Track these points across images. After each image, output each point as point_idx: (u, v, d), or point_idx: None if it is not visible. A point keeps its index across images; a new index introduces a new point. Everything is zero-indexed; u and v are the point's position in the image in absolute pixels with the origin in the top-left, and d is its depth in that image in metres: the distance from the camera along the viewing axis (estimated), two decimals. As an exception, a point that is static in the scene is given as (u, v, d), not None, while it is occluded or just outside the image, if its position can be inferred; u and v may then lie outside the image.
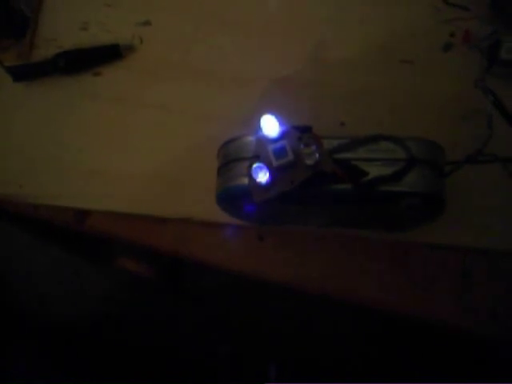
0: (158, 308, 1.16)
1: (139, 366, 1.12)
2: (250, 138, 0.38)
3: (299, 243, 0.49)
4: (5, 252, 1.24)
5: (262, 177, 0.35)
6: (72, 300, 1.20)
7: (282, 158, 0.35)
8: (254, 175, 0.35)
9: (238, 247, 0.50)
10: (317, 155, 0.34)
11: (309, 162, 0.34)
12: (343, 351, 1.03)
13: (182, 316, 1.14)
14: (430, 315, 0.48)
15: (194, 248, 0.51)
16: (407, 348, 0.97)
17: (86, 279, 1.21)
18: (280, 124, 0.36)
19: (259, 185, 0.35)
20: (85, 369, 1.14)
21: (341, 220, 0.45)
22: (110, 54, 0.55)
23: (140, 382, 1.10)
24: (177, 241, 0.51)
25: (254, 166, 0.35)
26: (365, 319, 0.95)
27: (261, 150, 0.36)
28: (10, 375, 1.12)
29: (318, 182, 0.35)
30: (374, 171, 0.36)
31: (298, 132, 0.36)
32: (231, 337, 1.11)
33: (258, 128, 0.36)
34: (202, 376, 1.10)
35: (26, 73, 0.55)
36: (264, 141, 0.36)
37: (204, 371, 1.10)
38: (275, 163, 0.35)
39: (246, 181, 0.37)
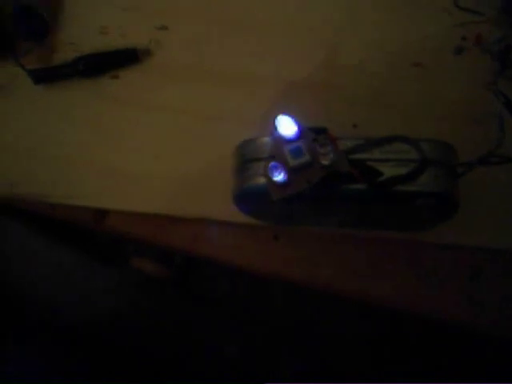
0: (167, 310, 1.17)
1: (146, 367, 1.13)
2: (267, 139, 0.39)
3: (314, 243, 0.50)
4: (17, 254, 1.26)
5: (279, 176, 0.36)
6: (82, 303, 1.21)
7: (298, 157, 0.36)
8: (270, 174, 0.36)
9: (253, 247, 0.51)
10: (332, 155, 0.35)
11: (325, 161, 0.35)
12: (354, 352, 1.03)
13: (190, 318, 1.15)
14: (442, 316, 0.48)
15: (210, 247, 0.52)
16: (419, 349, 0.97)
17: (97, 283, 1.22)
18: (296, 125, 0.37)
19: (276, 184, 0.36)
20: (93, 370, 1.15)
21: (355, 220, 0.45)
22: (128, 57, 0.56)
23: (147, 382, 1.11)
24: (192, 240, 0.52)
25: (271, 164, 0.36)
26: (376, 319, 0.95)
27: (277, 151, 0.37)
28: (13, 375, 1.13)
29: (333, 182, 0.36)
30: (388, 171, 0.37)
31: (313, 133, 0.37)
32: (239, 338, 1.12)
33: (274, 128, 0.37)
34: (207, 377, 1.10)
35: (46, 76, 0.56)
36: (280, 141, 0.37)
37: (210, 372, 1.11)
38: (292, 163, 0.36)
39: (262, 180, 0.37)
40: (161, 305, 1.17)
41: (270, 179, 0.36)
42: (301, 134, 0.37)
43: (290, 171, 0.36)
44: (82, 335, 1.18)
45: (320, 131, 0.37)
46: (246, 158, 0.40)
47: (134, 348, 1.15)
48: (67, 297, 1.22)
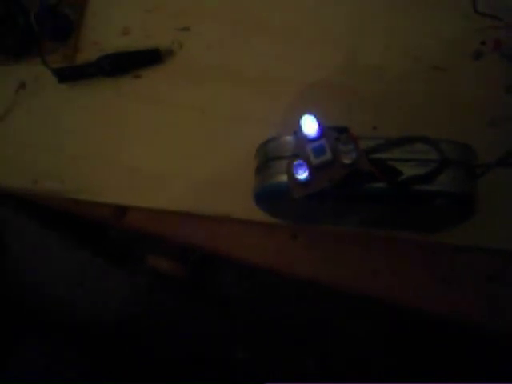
0: (180, 310, 1.17)
1: (158, 366, 1.13)
2: (289, 138, 0.40)
3: (331, 243, 0.50)
4: (31, 253, 1.27)
5: (302, 174, 0.36)
6: (94, 302, 1.22)
7: (320, 156, 0.36)
8: (294, 172, 0.36)
9: (270, 245, 0.51)
10: (354, 154, 0.36)
11: (346, 160, 0.36)
12: (368, 351, 1.03)
13: (203, 317, 1.15)
14: (457, 316, 0.48)
15: (227, 245, 0.52)
16: (432, 349, 0.97)
17: (110, 282, 1.23)
18: (318, 124, 0.37)
19: (298, 182, 0.37)
20: (104, 369, 1.16)
21: (374, 220, 0.46)
22: (151, 58, 0.57)
23: (157, 382, 1.12)
24: (210, 238, 0.53)
25: (295, 162, 0.36)
26: (390, 319, 0.95)
27: (300, 149, 0.37)
28: (25, 374, 1.14)
29: (354, 181, 0.37)
30: (408, 171, 0.37)
31: (335, 132, 0.37)
32: (251, 338, 1.12)
33: (298, 128, 0.37)
34: (219, 378, 1.11)
35: (71, 74, 0.58)
36: (303, 140, 0.37)
37: (220, 375, 1.11)
38: (314, 161, 0.36)
39: (284, 178, 0.38)
40: (173, 305, 1.17)
41: (291, 177, 0.37)
42: (323, 133, 0.37)
43: (312, 169, 0.36)
44: (95, 334, 1.19)
45: (341, 130, 0.38)
46: (269, 157, 0.40)
47: (146, 348, 1.16)
48: (80, 296, 1.23)
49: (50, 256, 1.25)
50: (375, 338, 1.03)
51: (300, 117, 0.37)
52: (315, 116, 0.37)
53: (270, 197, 0.41)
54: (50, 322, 1.23)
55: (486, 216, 0.45)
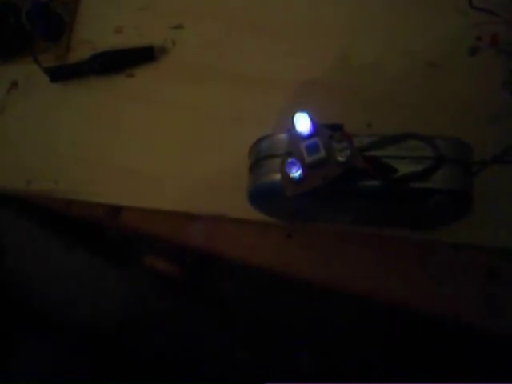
0: (179, 311, 1.17)
1: (156, 367, 1.13)
2: (282, 136, 0.39)
3: (326, 242, 0.50)
4: (29, 254, 1.26)
5: (295, 172, 0.36)
6: (92, 303, 1.22)
7: (314, 154, 0.36)
8: (287, 170, 0.36)
9: (266, 245, 0.51)
10: (348, 152, 0.35)
11: (340, 158, 0.35)
12: (368, 351, 1.02)
13: (202, 318, 1.15)
14: (455, 316, 0.48)
15: (223, 245, 0.52)
16: (431, 349, 0.96)
17: (108, 283, 1.22)
18: (312, 122, 0.37)
19: (292, 180, 0.36)
20: (103, 370, 1.15)
21: (368, 218, 0.45)
22: (144, 56, 0.56)
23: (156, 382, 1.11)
24: (207, 238, 0.52)
25: (288, 161, 0.36)
26: (389, 318, 0.95)
27: (293, 147, 0.37)
28: (25, 374, 1.14)
29: (348, 179, 0.36)
30: (403, 168, 0.36)
31: (329, 130, 0.37)
32: (251, 339, 1.11)
33: (291, 125, 0.37)
34: (219, 378, 1.10)
35: (63, 73, 0.57)
36: (296, 138, 0.37)
37: (220, 375, 1.11)
38: (308, 159, 0.36)
39: (278, 177, 0.37)
40: (172, 305, 1.17)
41: (285, 175, 0.36)
42: (317, 131, 0.37)
43: (306, 167, 0.36)
44: (95, 334, 1.19)
45: (336, 128, 0.37)
46: (261, 155, 0.40)
47: (146, 348, 1.16)
48: (80, 296, 1.23)
49: (49, 256, 1.25)
50: (375, 337, 1.03)
51: (293, 115, 0.37)
52: (309, 113, 0.37)
53: (264, 196, 0.41)
54: (50, 322, 1.22)
55: (484, 214, 0.44)
